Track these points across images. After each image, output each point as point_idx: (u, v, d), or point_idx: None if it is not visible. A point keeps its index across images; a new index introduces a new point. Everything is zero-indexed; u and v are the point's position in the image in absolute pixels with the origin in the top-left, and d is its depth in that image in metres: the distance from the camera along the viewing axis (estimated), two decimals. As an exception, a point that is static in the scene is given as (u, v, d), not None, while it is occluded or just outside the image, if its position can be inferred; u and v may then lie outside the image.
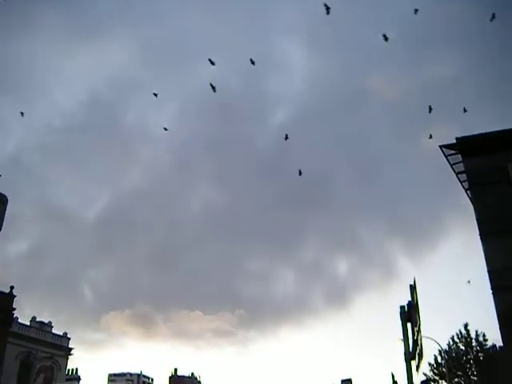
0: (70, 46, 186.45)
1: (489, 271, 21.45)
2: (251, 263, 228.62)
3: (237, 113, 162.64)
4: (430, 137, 36.59)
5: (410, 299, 16.84)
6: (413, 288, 16.66)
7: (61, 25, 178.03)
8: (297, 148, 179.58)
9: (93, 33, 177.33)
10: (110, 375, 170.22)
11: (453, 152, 24.71)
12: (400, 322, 17.20)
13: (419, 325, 16.30)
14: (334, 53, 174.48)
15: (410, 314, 16.71)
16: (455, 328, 56.44)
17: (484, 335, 54.09)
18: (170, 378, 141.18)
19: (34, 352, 48.58)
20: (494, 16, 28.95)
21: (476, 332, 54.75)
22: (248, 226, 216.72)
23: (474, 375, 53.16)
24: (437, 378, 54.47)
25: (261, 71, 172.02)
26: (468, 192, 26.23)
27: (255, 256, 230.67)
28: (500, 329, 20.57)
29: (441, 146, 24.85)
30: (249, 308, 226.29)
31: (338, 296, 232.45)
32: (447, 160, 25.21)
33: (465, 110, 37.30)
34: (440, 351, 52.52)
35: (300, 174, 46.57)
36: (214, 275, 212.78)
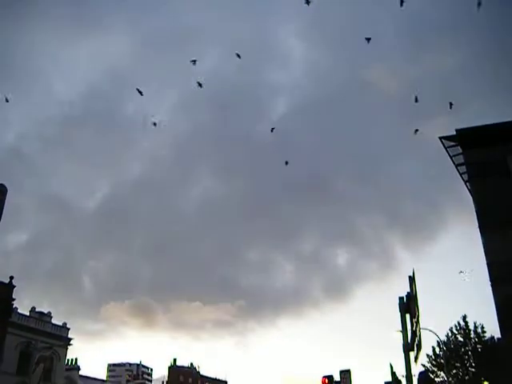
0: (69, 38, 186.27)
1: (488, 263, 21.45)
2: (251, 254, 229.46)
3: (237, 104, 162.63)
4: (416, 131, 36.71)
5: (408, 290, 16.86)
6: (412, 279, 16.67)
7: (61, 16, 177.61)
8: (297, 139, 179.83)
9: (92, 24, 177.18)
10: (109, 365, 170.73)
11: (453, 144, 24.65)
12: (399, 314, 17.25)
13: (418, 316, 16.32)
14: (334, 44, 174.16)
15: (408, 306, 16.73)
16: (454, 320, 56.65)
17: (482, 327, 54.18)
18: (170, 368, 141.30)
19: (33, 342, 48.69)
20: (479, 3, 28.32)
21: (474, 324, 54.83)
22: (248, 217, 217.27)
23: (473, 367, 53.27)
24: (435, 369, 54.58)
25: (261, 62, 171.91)
26: (467, 184, 26.20)
27: (255, 247, 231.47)
28: (499, 320, 20.58)
29: (441, 138, 24.80)
30: (248, 299, 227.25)
31: (338, 287, 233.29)
32: (447, 152, 25.17)
33: (451, 105, 38.06)
34: (438, 342, 52.65)
35: (286, 164, 46.66)
36: (214, 266, 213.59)
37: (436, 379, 53.48)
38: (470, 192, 25.37)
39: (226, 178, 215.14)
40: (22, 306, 51.93)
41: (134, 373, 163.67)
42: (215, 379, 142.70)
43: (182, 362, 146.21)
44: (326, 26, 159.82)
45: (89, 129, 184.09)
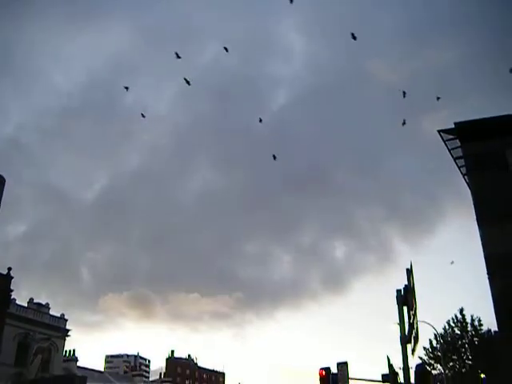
0: (68, 28, 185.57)
1: (485, 256, 21.53)
2: (249, 246, 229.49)
3: (237, 96, 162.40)
4: (404, 123, 36.99)
5: (406, 283, 16.91)
6: (409, 272, 16.72)
7: (59, 6, 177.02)
8: (296, 131, 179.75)
9: (91, 15, 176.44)
10: (107, 356, 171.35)
11: (451, 137, 24.70)
12: (396, 306, 17.31)
13: (415, 308, 16.37)
14: (334, 37, 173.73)
15: (406, 298, 16.79)
16: (451, 313, 56.84)
17: (479, 320, 54.38)
18: (167, 359, 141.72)
19: (31, 333, 48.75)
20: None
21: (471, 317, 55.02)
22: (247, 209, 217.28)
23: (469, 359, 53.50)
24: (432, 361, 54.80)
25: (261, 54, 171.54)
26: (466, 177, 26.25)
27: (254, 239, 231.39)
28: (495, 313, 20.67)
29: (439, 131, 24.83)
30: (246, 291, 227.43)
31: (336, 279, 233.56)
32: (445, 145, 25.20)
33: (438, 98, 38.73)
34: (435, 335, 52.83)
35: (274, 158, 46.65)
36: (212, 258, 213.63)
37: (433, 371, 53.67)
38: (469, 185, 25.42)
39: (226, 169, 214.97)
40: (20, 297, 52.18)
41: (132, 364, 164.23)
42: (213, 371, 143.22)
43: (180, 353, 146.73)
44: (326, 19, 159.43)
45: (87, 120, 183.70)
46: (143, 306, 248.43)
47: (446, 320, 56.18)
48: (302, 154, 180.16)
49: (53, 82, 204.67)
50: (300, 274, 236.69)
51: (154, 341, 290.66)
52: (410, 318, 16.71)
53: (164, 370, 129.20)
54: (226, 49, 36.32)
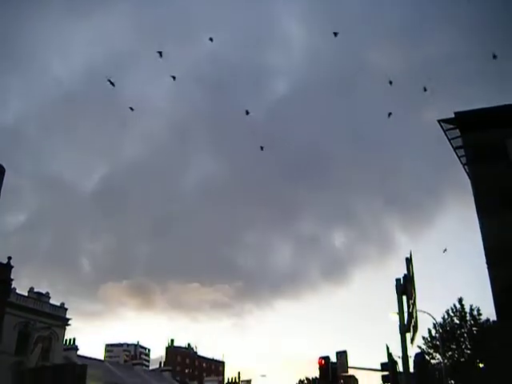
0: (69, 19, 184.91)
1: (485, 247, 21.56)
2: (249, 236, 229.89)
3: (236, 86, 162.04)
4: (389, 115, 37.70)
5: (405, 272, 16.96)
6: (409, 261, 16.76)
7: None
8: (296, 122, 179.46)
9: (92, 5, 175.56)
10: (107, 345, 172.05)
11: (451, 127, 24.66)
12: (396, 295, 17.35)
13: (414, 298, 16.42)
14: (334, 26, 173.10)
15: (405, 287, 16.84)
16: (450, 302, 56.87)
17: (478, 309, 54.48)
18: (167, 348, 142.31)
19: (31, 322, 48.88)
20: None
21: (470, 306, 55.14)
22: (246, 199, 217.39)
23: (468, 349, 53.68)
24: (431, 351, 54.99)
25: (260, 45, 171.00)
26: (466, 167, 26.24)
27: (253, 228, 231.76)
28: (494, 303, 20.73)
29: (439, 121, 24.79)
30: (246, 280, 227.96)
31: (335, 269, 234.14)
32: (445, 134, 25.17)
33: (425, 90, 39.42)
34: (434, 324, 52.95)
35: (262, 149, 46.66)
36: (212, 247, 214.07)
37: (432, 361, 53.89)
38: (469, 175, 25.41)
39: (225, 159, 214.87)
40: (21, 286, 52.23)
41: (132, 353, 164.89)
42: (213, 360, 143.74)
43: (180, 342, 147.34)
44: (325, 10, 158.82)
45: (87, 110, 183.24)
46: (143, 295, 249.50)
47: (445, 309, 56.38)
48: (302, 144, 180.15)
49: (53, 72, 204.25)
50: (300, 264, 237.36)
51: (153, 330, 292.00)
52: (409, 307, 16.76)
53: (164, 358, 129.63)
54: (211, 39, 36.35)
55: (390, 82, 36.47)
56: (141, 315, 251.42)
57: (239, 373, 71.47)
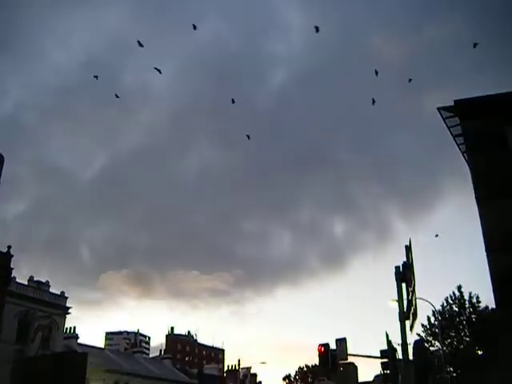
0: (68, 6, 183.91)
1: (484, 234, 21.54)
2: (249, 223, 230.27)
3: (237, 74, 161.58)
4: (373, 102, 38.00)
5: (405, 260, 17.00)
6: (408, 249, 16.80)
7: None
8: (296, 109, 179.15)
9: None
10: (107, 333, 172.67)
11: (451, 114, 24.58)
12: (395, 283, 17.40)
13: (414, 285, 16.48)
14: (334, 13, 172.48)
15: (404, 275, 16.89)
16: (449, 290, 57.06)
17: (477, 297, 54.73)
18: (167, 336, 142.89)
19: (31, 311, 48.94)
20: None
21: (470, 294, 55.37)
22: (246, 186, 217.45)
23: (467, 336, 53.93)
24: (430, 338, 55.25)
25: (260, 32, 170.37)
26: (465, 155, 26.20)
27: (253, 216, 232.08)
28: (493, 291, 20.74)
29: (439, 108, 24.69)
30: (246, 268, 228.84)
31: (335, 257, 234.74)
32: (445, 122, 25.09)
33: (410, 80, 40.36)
34: (434, 312, 53.18)
35: (248, 138, 46.53)
36: (212, 235, 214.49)
37: (431, 348, 54.15)
38: (468, 163, 25.38)
39: (225, 147, 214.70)
40: (20, 275, 52.29)
41: (132, 341, 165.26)
42: (212, 347, 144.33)
43: (180, 330, 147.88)
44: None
45: (87, 98, 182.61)
46: (143, 283, 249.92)
47: (445, 297, 56.58)
48: (301, 131, 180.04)
49: (52, 60, 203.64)
50: (299, 252, 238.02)
51: (153, 318, 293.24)
52: (408, 294, 16.82)
53: (164, 346, 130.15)
54: (194, 26, 36.05)
55: (376, 73, 37.44)
56: (141, 303, 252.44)
57: (239, 360, 71.92)
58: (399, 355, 21.23)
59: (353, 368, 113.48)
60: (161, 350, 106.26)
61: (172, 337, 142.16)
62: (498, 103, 23.56)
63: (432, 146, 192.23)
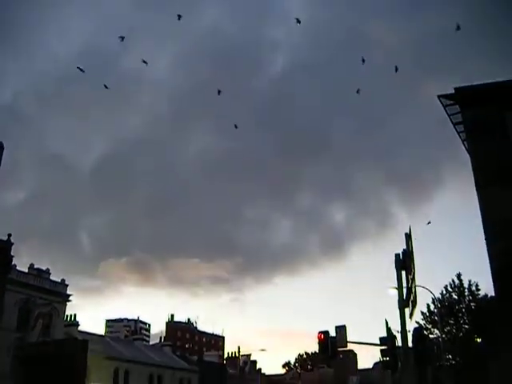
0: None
1: (483, 222, 21.54)
2: (248, 211, 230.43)
3: (236, 60, 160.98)
4: (358, 91, 39.62)
5: (405, 248, 17.04)
6: (408, 236, 16.84)
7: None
8: (296, 96, 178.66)
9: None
10: (107, 321, 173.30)
11: (451, 102, 24.51)
12: (395, 270, 17.45)
13: (413, 273, 16.53)
14: (334, 1, 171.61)
15: (404, 262, 16.93)
16: (449, 278, 57.16)
17: (477, 285, 54.83)
18: (167, 323, 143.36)
19: (32, 299, 49.14)
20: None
21: (469, 282, 55.46)
22: (246, 174, 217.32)
23: (466, 324, 54.11)
24: (429, 326, 55.42)
25: (260, 19, 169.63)
26: (465, 143, 26.17)
27: (253, 204, 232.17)
28: (493, 280, 20.76)
29: (439, 96, 24.62)
30: (246, 256, 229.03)
31: (335, 244, 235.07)
32: (445, 110, 25.03)
33: (396, 69, 40.35)
34: (433, 299, 53.31)
35: (236, 127, 46.39)
36: (212, 223, 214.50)
37: (430, 336, 54.33)
38: (468, 151, 25.35)
39: (225, 134, 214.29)
40: (21, 263, 52.41)
41: (132, 328, 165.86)
42: (212, 334, 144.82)
43: (180, 317, 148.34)
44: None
45: (86, 85, 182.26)
46: (143, 271, 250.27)
47: (444, 285, 56.70)
48: (301, 118, 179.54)
49: (50, 47, 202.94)
50: (299, 239, 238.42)
51: (154, 305, 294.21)
52: (408, 282, 16.87)
53: (164, 333, 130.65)
54: (179, 16, 35.84)
55: (363, 60, 38.78)
56: (141, 291, 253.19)
57: (239, 347, 72.31)
58: (399, 342, 21.31)
59: (352, 355, 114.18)
60: (161, 338, 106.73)
61: (172, 324, 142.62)
62: (499, 91, 23.48)
63: (433, 134, 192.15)
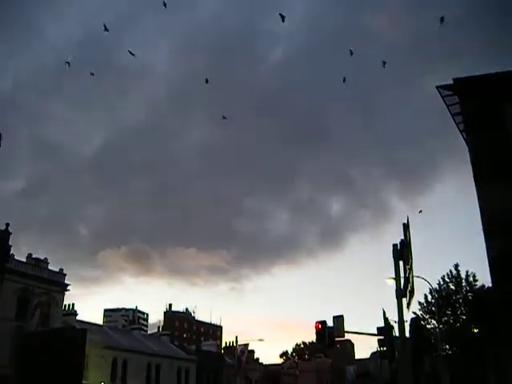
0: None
1: (481, 214, 21.59)
2: (247, 202, 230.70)
3: (234, 51, 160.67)
4: (344, 80, 39.49)
5: (402, 238, 17.08)
6: (406, 227, 16.86)
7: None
8: (294, 87, 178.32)
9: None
10: (105, 310, 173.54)
11: (450, 93, 24.49)
12: (393, 260, 17.50)
13: (411, 263, 16.57)
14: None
15: (402, 253, 16.98)
16: (446, 268, 57.27)
17: (474, 276, 54.91)
18: (165, 313, 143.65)
19: (30, 288, 49.18)
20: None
21: (466, 272, 55.56)
22: (245, 165, 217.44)
23: (463, 314, 54.26)
24: (426, 316, 55.58)
25: (260, 9, 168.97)
26: (463, 134, 26.17)
27: (251, 194, 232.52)
28: (490, 271, 20.84)
29: (438, 87, 24.60)
30: (244, 246, 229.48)
31: (333, 235, 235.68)
32: (444, 101, 25.01)
33: (384, 64, 41.10)
34: (430, 290, 53.40)
35: (224, 118, 46.06)
36: (210, 213, 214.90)
37: (427, 326, 54.51)
38: (466, 142, 25.35)
39: (223, 125, 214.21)
40: (19, 252, 52.54)
41: (130, 318, 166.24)
42: (210, 324, 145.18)
43: (178, 307, 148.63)
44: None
45: (84, 76, 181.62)
46: (141, 260, 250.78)
47: (441, 275, 56.81)
48: (301, 110, 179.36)
49: (48, 38, 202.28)
50: (297, 230, 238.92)
51: (152, 295, 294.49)
52: (405, 272, 16.92)
53: (162, 323, 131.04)
54: (164, 4, 35.65)
55: (351, 52, 38.85)
56: (139, 281, 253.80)
57: (237, 337, 72.29)
58: (396, 333, 21.41)
59: (350, 345, 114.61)
60: (159, 327, 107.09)
61: (170, 314, 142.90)
62: (498, 82, 23.47)
63: (432, 126, 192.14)
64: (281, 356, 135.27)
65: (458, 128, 26.53)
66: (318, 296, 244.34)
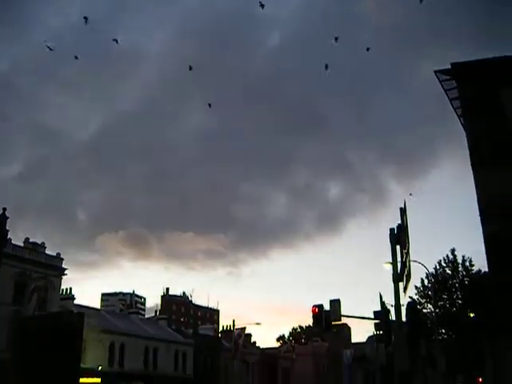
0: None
1: (478, 199, 21.61)
2: (244, 186, 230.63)
3: (231, 37, 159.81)
4: (326, 67, 39.11)
5: (399, 222, 17.09)
6: (403, 211, 16.87)
7: None
8: (292, 74, 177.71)
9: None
10: (103, 295, 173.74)
11: (447, 78, 24.42)
12: (390, 244, 17.53)
13: (408, 247, 16.59)
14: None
15: (399, 237, 17.00)
16: (443, 253, 57.37)
17: (471, 260, 55.08)
18: (162, 297, 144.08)
19: (27, 272, 49.21)
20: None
21: (463, 257, 55.71)
22: (242, 150, 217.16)
23: (459, 298, 54.50)
24: (423, 300, 55.82)
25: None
26: (461, 119, 26.13)
27: (248, 179, 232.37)
28: (487, 255, 20.90)
29: (435, 71, 24.52)
30: (241, 230, 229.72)
31: (330, 220, 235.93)
32: (441, 85, 24.94)
33: (368, 49, 42.79)
34: (427, 274, 53.59)
35: (209, 106, 45.52)
36: (207, 198, 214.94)
37: (424, 310, 54.76)
38: (464, 127, 25.32)
39: (221, 111, 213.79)
40: (16, 237, 52.45)
41: (128, 302, 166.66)
42: (207, 308, 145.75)
43: (175, 291, 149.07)
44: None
45: (81, 61, 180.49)
46: (139, 245, 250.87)
47: (438, 260, 56.95)
48: (298, 96, 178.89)
49: (45, 23, 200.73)
50: (295, 214, 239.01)
51: (149, 279, 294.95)
52: (402, 256, 16.95)
53: (159, 307, 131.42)
54: None
55: (336, 38, 38.24)
56: (136, 265, 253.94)
57: (234, 321, 72.47)
58: (392, 316, 21.50)
59: (346, 329, 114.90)
60: (156, 311, 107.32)
61: (167, 298, 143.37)
62: (495, 67, 23.41)
63: (429, 110, 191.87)
64: (278, 340, 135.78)
65: (456, 113, 26.48)
66: (315, 280, 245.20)
